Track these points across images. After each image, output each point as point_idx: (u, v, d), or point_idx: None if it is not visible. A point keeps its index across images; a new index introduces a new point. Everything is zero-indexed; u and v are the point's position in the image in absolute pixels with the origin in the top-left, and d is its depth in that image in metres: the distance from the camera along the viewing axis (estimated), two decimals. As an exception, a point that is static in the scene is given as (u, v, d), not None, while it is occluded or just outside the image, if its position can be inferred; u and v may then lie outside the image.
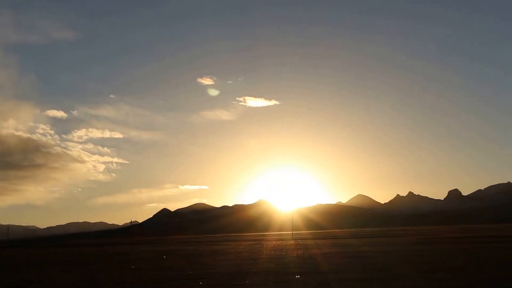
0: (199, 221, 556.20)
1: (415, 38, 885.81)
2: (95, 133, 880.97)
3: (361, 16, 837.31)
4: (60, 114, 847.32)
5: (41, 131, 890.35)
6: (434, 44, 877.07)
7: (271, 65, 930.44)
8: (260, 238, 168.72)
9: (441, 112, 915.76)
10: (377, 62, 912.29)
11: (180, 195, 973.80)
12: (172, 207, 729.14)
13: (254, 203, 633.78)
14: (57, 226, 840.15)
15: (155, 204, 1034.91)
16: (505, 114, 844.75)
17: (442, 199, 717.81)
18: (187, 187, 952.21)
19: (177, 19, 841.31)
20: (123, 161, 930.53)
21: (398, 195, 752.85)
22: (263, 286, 29.17)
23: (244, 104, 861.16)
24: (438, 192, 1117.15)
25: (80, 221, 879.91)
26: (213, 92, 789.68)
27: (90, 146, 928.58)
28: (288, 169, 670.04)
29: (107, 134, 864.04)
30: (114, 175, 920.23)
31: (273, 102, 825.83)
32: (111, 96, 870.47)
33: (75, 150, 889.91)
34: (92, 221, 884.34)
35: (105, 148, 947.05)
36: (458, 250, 57.71)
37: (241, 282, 31.66)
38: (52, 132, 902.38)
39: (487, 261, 41.88)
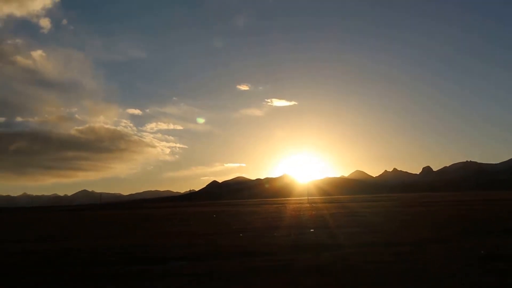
0: (240, 190, 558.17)
1: (417, 46, 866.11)
2: (163, 126, 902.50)
3: (368, 25, 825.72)
4: (137, 112, 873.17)
5: (124, 125, 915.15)
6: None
7: (290, 73, 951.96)
8: (284, 202, 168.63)
9: (419, 106, 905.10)
10: (361, 68, 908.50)
11: (225, 170, 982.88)
12: (220, 179, 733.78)
13: (280, 176, 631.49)
14: (136, 193, 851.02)
15: (207, 177, 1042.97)
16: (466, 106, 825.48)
17: (418, 173, 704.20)
18: (230, 165, 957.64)
19: (220, 44, 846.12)
20: (184, 146, 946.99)
21: (385, 170, 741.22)
22: (287, 237, 29.35)
23: (271, 104, 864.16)
24: (415, 168, 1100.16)
25: (152, 190, 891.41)
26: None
27: (159, 135, 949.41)
28: (305, 151, 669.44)
29: (171, 126, 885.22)
30: (177, 156, 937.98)
31: (292, 103, 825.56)
32: (174, 98, 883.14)
33: (148, 138, 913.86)
34: (161, 189, 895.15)
35: (170, 137, 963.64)
36: (427, 211, 57.15)
37: (271, 234, 31.95)
38: (132, 125, 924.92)
39: (454, 218, 41.33)
